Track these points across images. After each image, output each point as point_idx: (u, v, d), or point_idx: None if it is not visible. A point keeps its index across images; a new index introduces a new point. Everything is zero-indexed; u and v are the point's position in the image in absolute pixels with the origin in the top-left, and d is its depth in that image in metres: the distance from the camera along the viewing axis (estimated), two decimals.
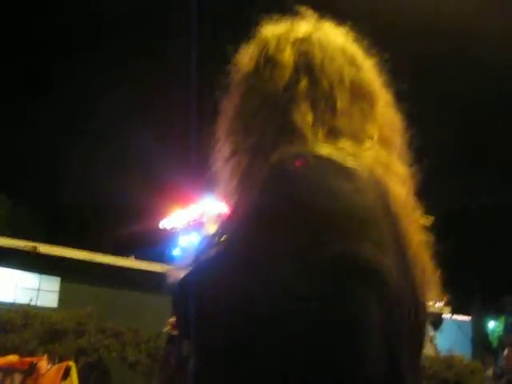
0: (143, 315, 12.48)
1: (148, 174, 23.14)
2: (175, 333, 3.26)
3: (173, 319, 3.31)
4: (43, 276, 14.13)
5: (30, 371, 2.20)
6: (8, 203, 23.19)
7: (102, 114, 27.10)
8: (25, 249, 13.26)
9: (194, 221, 17.89)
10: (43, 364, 2.20)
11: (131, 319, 12.79)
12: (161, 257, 17.85)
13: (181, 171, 23.33)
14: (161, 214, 18.99)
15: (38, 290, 13.99)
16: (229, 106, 1.02)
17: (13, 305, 12.90)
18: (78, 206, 24.10)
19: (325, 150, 0.88)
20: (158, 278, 14.88)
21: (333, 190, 0.82)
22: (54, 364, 2.36)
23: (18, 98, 29.51)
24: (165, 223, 18.62)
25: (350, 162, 0.87)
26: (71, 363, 2.27)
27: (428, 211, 0.99)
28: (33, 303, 13.34)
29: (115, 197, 22.65)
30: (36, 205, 23.49)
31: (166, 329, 3.34)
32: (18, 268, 13.67)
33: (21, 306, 12.86)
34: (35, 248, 13.35)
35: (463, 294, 22.12)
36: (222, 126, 1.03)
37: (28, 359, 2.30)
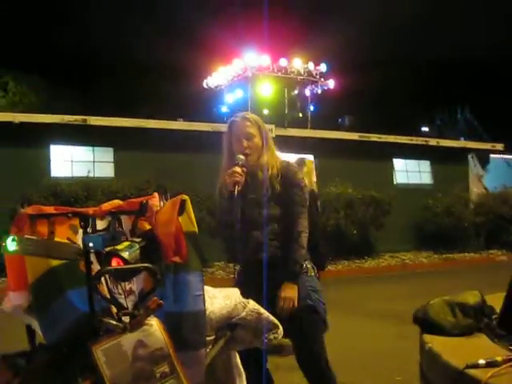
0: (198, 175, 12.60)
1: (186, 33, 22.39)
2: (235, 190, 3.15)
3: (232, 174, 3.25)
4: (96, 148, 14.25)
5: (142, 211, 2.10)
6: (46, 85, 23.05)
7: None
8: (75, 123, 13.26)
9: (239, 76, 17.65)
10: (155, 201, 2.09)
11: (188, 180, 12.94)
12: (209, 116, 17.84)
13: (220, 26, 22.58)
14: (203, 74, 18.74)
15: (93, 162, 14.19)
16: None
17: (72, 178, 13.19)
18: (118, 75, 23.77)
19: None
20: (209, 137, 14.95)
21: None
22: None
23: None
24: (209, 82, 18.44)
25: None
26: (185, 196, 2.16)
27: None
28: (91, 175, 13.57)
29: (156, 60, 22.18)
30: (75, 82, 23.25)
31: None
32: (70, 143, 13.79)
33: (80, 178, 13.15)
34: (85, 121, 13.34)
35: None
36: None
37: (136, 199, 2.18)
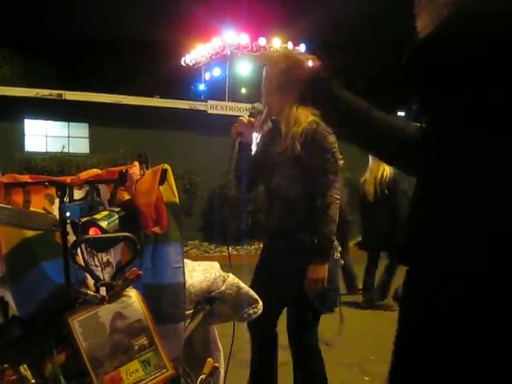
0: (173, 153, 12.48)
1: (165, 10, 22.04)
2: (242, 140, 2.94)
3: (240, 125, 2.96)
4: (71, 123, 14.05)
5: (121, 180, 2.03)
6: (20, 59, 22.55)
7: None
8: (50, 97, 13.03)
9: (217, 54, 17.47)
10: (135, 170, 2.03)
11: (164, 158, 12.74)
12: (186, 94, 17.66)
13: (199, 3, 22.27)
14: (182, 51, 18.52)
15: (68, 137, 14.00)
16: None
17: (46, 153, 13.02)
18: (94, 51, 23.37)
19: None
20: (185, 115, 14.81)
21: None
22: None
23: None
24: (187, 59, 18.24)
25: None
26: (167, 165, 2.10)
27: None
28: (65, 150, 13.40)
29: (134, 36, 21.80)
30: (51, 56, 22.79)
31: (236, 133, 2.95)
32: (45, 118, 13.58)
33: (54, 154, 12.99)
34: (61, 95, 13.10)
35: None
36: None
37: (115, 168, 2.11)
